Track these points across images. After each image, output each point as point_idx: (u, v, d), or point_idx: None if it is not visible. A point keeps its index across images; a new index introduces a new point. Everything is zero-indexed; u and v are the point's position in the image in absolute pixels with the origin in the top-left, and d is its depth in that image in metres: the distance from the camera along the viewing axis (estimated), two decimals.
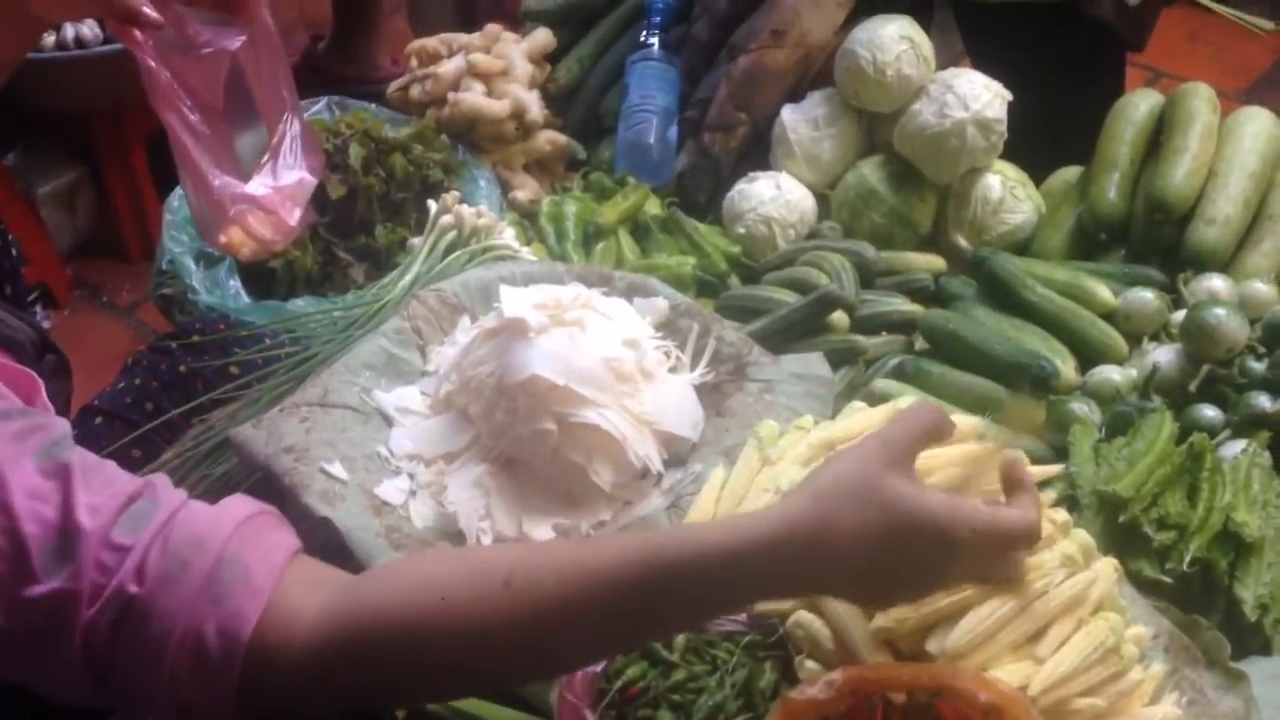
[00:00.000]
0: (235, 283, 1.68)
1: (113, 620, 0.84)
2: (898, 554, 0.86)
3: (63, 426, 0.89)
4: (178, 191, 1.76)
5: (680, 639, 1.04)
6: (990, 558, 0.90)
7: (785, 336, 1.52)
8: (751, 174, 1.78)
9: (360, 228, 1.72)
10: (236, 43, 1.19)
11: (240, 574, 0.86)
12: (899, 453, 0.87)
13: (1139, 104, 1.74)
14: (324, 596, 0.88)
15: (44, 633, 0.84)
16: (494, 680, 0.92)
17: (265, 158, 1.23)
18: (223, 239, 1.28)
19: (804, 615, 1.03)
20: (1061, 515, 1.04)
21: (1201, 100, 1.68)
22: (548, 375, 1.23)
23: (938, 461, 0.99)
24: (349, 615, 0.87)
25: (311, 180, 1.26)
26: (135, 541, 0.85)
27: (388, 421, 1.34)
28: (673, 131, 1.86)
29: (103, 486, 0.87)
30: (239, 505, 0.91)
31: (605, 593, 0.85)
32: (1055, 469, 1.18)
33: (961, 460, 0.99)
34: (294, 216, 1.24)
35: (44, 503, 0.84)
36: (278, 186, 1.22)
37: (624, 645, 0.96)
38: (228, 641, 0.85)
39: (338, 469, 1.24)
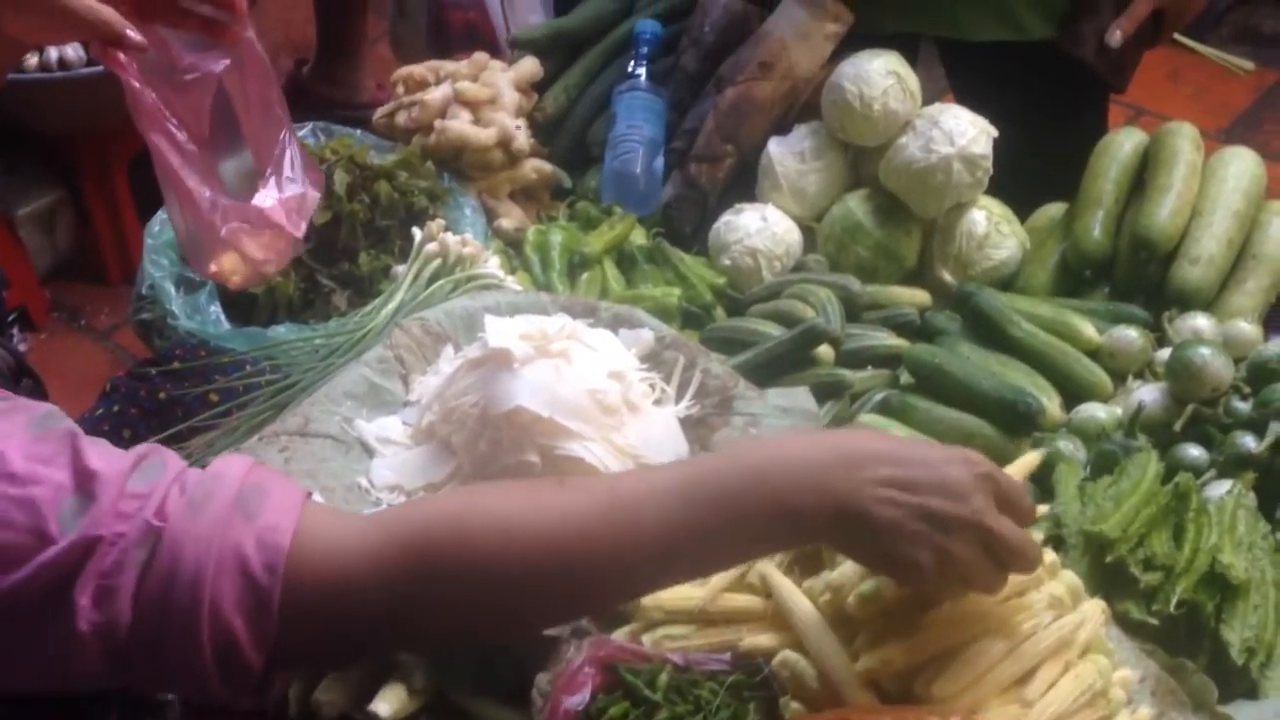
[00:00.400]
0: (215, 308, 1.66)
1: (140, 566, 0.82)
2: (922, 450, 0.93)
3: (49, 406, 0.89)
4: (159, 216, 1.74)
5: (663, 676, 1.03)
6: (987, 554, 0.92)
7: (771, 370, 1.51)
8: (738, 205, 1.78)
9: (344, 254, 1.71)
10: (220, 66, 1.19)
11: (266, 496, 0.86)
12: None
13: (1123, 142, 1.74)
14: (359, 518, 0.89)
15: (56, 595, 0.81)
16: (542, 591, 0.89)
17: (269, 171, 1.22)
18: (213, 267, 1.26)
19: (789, 655, 1.02)
20: (1049, 556, 1.03)
21: (1186, 139, 1.69)
22: (532, 407, 1.22)
23: None
24: (394, 524, 0.87)
25: (315, 195, 1.25)
26: (152, 489, 0.84)
27: (369, 452, 1.32)
28: (659, 162, 1.86)
29: (109, 450, 0.86)
30: (241, 456, 0.92)
31: (655, 485, 0.89)
32: (1041, 509, 1.17)
33: None
34: (300, 229, 1.23)
35: (49, 465, 0.83)
36: (283, 199, 1.21)
37: (673, 562, 0.92)
38: (268, 553, 0.83)
39: (317, 500, 1.22)
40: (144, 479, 0.85)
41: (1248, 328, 1.53)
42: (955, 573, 0.91)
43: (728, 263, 1.74)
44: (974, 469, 0.91)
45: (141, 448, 0.88)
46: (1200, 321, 1.54)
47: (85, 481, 0.82)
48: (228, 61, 1.21)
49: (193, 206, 1.18)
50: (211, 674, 0.83)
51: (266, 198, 1.21)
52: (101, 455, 0.85)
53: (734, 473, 0.90)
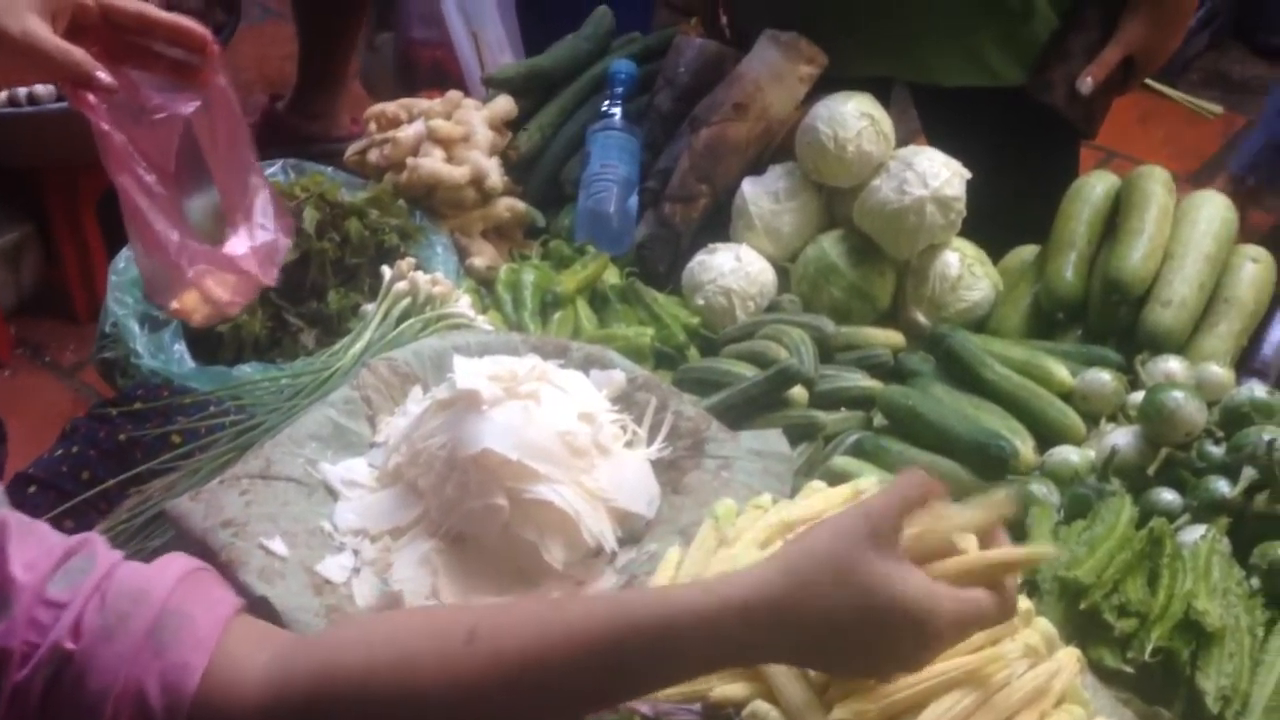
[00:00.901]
0: (180, 347, 1.63)
1: (47, 680, 0.80)
2: (872, 636, 0.85)
3: None
4: (124, 253, 1.72)
5: None
6: (962, 637, 0.90)
7: (744, 411, 1.50)
8: (712, 245, 1.77)
9: (312, 292, 1.69)
10: (190, 108, 1.19)
11: (184, 626, 0.83)
12: (882, 525, 0.86)
13: (1095, 185, 1.75)
14: (274, 652, 0.84)
15: None
16: None
17: (240, 218, 1.22)
18: (175, 304, 1.26)
19: (760, 705, 1.00)
20: (1024, 603, 1.02)
21: (1157, 183, 1.70)
22: (500, 449, 1.20)
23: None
24: (301, 670, 0.84)
25: (286, 241, 1.25)
26: (72, 597, 0.82)
27: (333, 495, 1.30)
28: (633, 201, 1.85)
29: (37, 543, 0.84)
30: (178, 561, 0.88)
31: (570, 652, 0.83)
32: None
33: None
34: (272, 276, 1.23)
35: None
36: (254, 246, 1.21)
37: (589, 709, 0.91)
38: (172, 696, 0.81)
39: (278, 545, 1.20)
40: (67, 582, 0.82)
41: (1220, 371, 1.53)
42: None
43: (701, 302, 1.73)
44: (932, 644, 0.86)
45: (73, 540, 0.85)
46: (1172, 364, 1.54)
47: (4, 584, 0.81)
48: (198, 103, 1.21)
49: (159, 248, 1.18)
50: None
51: (239, 245, 1.21)
52: (27, 551, 0.82)
53: (672, 650, 0.84)
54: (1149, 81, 3.57)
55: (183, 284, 1.24)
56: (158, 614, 0.83)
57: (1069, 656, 1.03)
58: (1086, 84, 1.78)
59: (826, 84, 1.81)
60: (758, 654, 0.90)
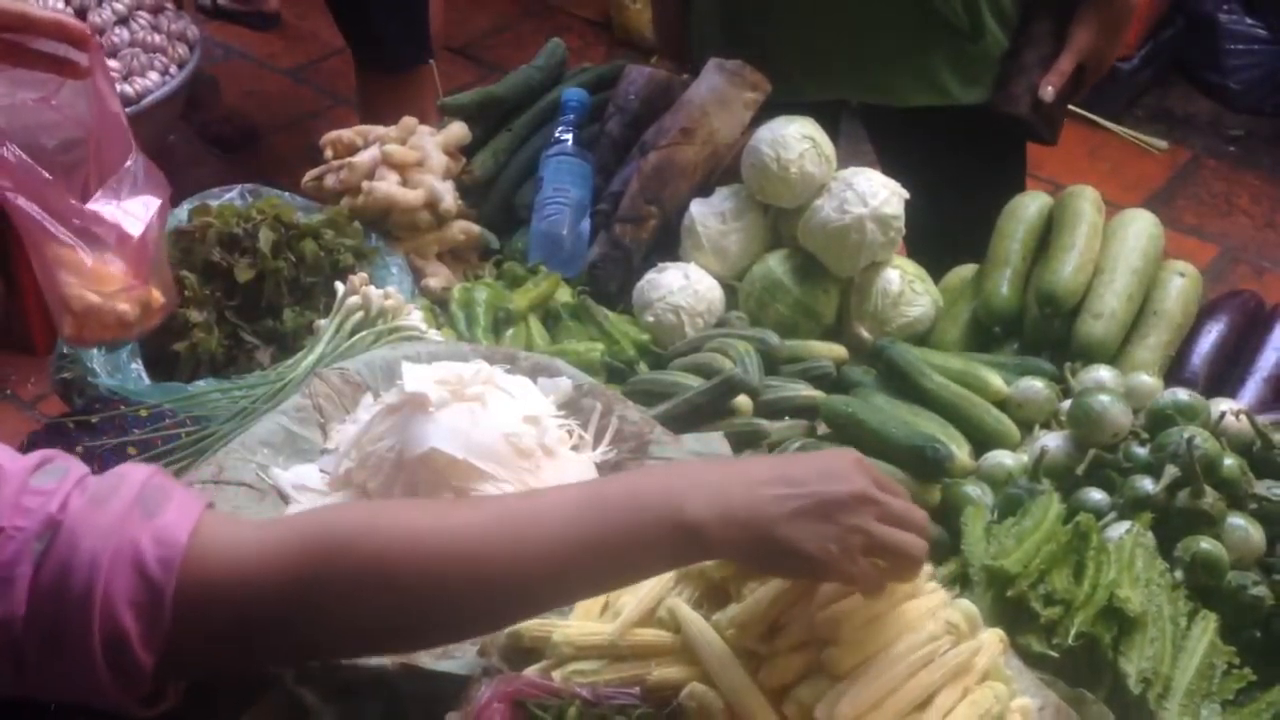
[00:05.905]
0: (137, 366, 1.65)
1: (38, 555, 0.82)
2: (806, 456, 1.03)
3: None
4: None
5: (572, 711, 1.03)
6: (874, 540, 0.96)
7: (690, 419, 1.53)
8: (661, 264, 1.82)
9: (268, 311, 1.72)
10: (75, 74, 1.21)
11: (168, 497, 0.88)
12: None
13: (1029, 204, 1.81)
14: (262, 519, 0.91)
15: None
16: (442, 598, 0.90)
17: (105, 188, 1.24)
18: (67, 331, 1.30)
19: (697, 688, 1.03)
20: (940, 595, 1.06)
21: (1087, 202, 1.77)
22: (447, 449, 1.23)
23: None
24: (297, 524, 0.89)
25: (155, 201, 1.26)
26: (56, 487, 0.85)
27: (285, 499, 1.32)
28: (585, 224, 1.90)
29: (13, 452, 0.88)
30: (145, 465, 0.92)
31: (556, 509, 0.93)
32: None
33: None
34: (138, 230, 1.22)
35: None
36: (122, 203, 1.23)
37: (570, 574, 0.95)
38: (165, 549, 0.84)
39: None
40: (48, 479, 0.86)
41: (1149, 380, 1.58)
42: (846, 560, 0.95)
43: (651, 320, 1.77)
44: (848, 455, 0.99)
45: (47, 451, 0.89)
46: (1103, 374, 1.59)
47: None
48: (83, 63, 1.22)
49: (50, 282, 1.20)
50: (102, 673, 0.83)
51: (104, 210, 1.23)
52: (5, 453, 0.86)
53: (635, 487, 0.95)
54: (1097, 118, 3.69)
55: (63, 308, 1.25)
56: (141, 488, 0.87)
57: (992, 636, 1.07)
58: (1048, 92, 1.88)
59: (774, 109, 1.88)
60: (720, 494, 0.94)
